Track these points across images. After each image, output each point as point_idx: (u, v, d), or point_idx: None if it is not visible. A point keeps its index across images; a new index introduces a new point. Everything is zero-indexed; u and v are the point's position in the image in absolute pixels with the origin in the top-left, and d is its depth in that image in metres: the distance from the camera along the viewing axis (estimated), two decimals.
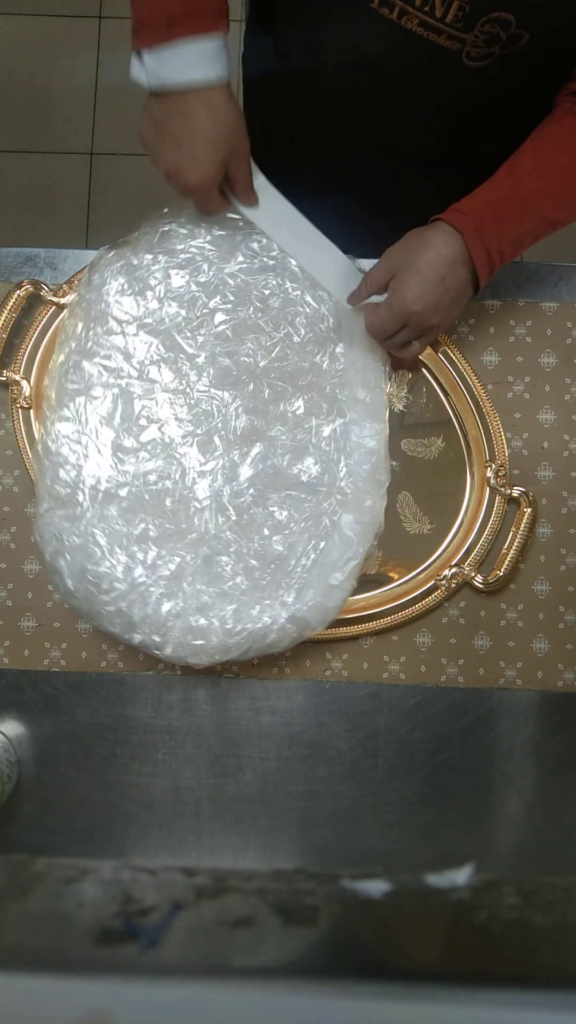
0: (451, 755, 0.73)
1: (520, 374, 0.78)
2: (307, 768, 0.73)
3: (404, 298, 0.66)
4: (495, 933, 0.28)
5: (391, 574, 0.75)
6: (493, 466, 0.75)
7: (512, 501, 0.75)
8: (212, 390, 0.73)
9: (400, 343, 0.70)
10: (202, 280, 0.74)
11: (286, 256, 0.74)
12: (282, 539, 0.71)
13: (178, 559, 0.70)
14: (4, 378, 0.76)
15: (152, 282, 0.73)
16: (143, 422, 0.72)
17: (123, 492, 0.70)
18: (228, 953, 0.27)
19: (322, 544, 0.71)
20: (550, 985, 0.26)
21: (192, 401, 0.72)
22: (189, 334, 0.73)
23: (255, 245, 0.74)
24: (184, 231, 0.74)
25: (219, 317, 0.73)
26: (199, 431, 0.72)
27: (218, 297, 0.73)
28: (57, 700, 0.74)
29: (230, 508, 0.71)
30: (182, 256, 0.74)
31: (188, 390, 0.73)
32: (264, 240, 0.74)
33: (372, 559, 0.74)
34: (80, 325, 0.73)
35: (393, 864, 0.72)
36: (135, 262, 0.73)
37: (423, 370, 0.78)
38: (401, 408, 0.77)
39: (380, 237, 0.79)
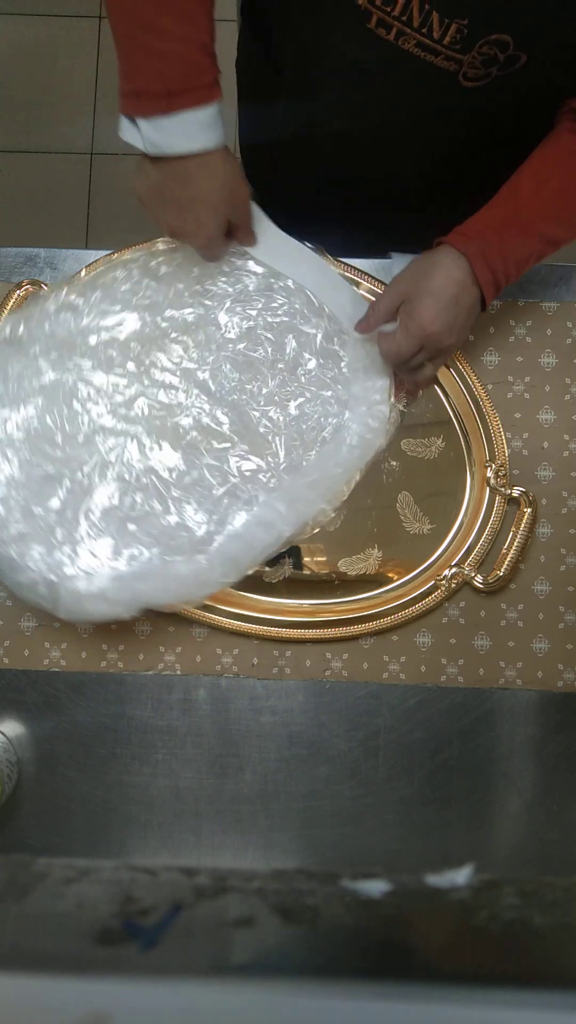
0: (451, 755, 0.73)
1: (520, 374, 0.78)
2: (307, 768, 0.73)
3: (421, 321, 0.66)
4: (495, 933, 0.28)
5: (391, 574, 0.75)
6: (493, 466, 0.75)
7: (512, 501, 0.75)
8: (190, 383, 0.73)
9: (415, 366, 0.71)
10: (278, 312, 0.74)
11: (354, 368, 0.75)
12: (120, 524, 0.70)
13: (34, 468, 0.70)
14: None
15: (231, 280, 0.75)
16: (125, 351, 0.73)
17: (52, 380, 0.72)
18: (228, 953, 0.27)
19: (147, 560, 0.69)
20: (550, 985, 0.26)
21: (169, 375, 0.73)
22: (220, 336, 0.74)
23: (343, 351, 0.75)
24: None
25: (254, 348, 0.74)
26: (147, 403, 0.73)
27: (266, 333, 0.74)
28: (57, 700, 0.74)
29: (108, 468, 0.71)
30: (278, 283, 0.75)
31: (174, 367, 0.73)
32: (345, 355, 0.75)
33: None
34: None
35: (393, 864, 0.72)
36: (231, 257, 0.75)
37: None
38: (401, 408, 0.77)
39: (371, 246, 0.79)
